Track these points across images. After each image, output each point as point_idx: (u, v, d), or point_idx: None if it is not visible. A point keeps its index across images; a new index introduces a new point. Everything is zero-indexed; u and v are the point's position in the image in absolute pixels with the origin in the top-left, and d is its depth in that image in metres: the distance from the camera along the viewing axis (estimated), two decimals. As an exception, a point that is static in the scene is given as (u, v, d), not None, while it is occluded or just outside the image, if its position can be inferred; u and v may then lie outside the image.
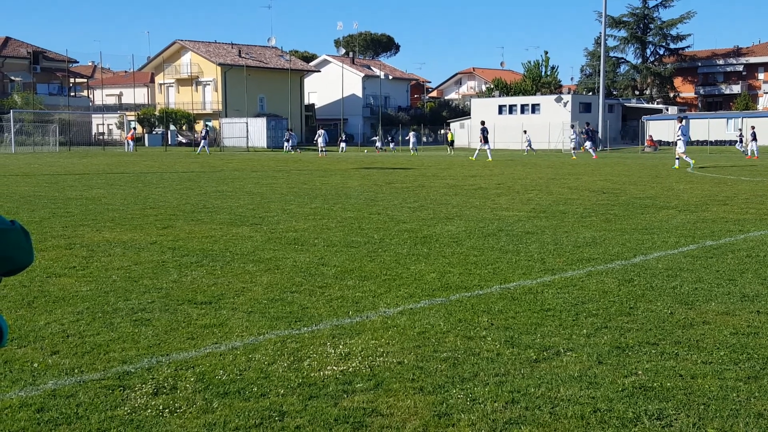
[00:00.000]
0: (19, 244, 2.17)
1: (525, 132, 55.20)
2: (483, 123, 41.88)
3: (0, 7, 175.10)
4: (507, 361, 4.90)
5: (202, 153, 50.00)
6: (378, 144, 62.38)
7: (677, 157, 29.84)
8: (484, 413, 4.04)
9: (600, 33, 72.05)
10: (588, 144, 44.65)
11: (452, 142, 56.89)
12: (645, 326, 5.74)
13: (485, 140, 39.56)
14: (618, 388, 4.40)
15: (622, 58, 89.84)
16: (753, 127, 45.64)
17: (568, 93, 76.07)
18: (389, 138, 64.50)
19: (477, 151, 40.15)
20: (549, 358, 4.97)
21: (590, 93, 79.46)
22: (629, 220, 12.30)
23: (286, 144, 56.16)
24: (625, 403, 4.17)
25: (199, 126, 75.75)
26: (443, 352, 5.11)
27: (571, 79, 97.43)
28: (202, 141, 52.67)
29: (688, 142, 31.58)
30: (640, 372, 4.70)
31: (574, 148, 46.19)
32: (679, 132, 29.63)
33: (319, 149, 50.38)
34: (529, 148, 51.67)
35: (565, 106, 68.01)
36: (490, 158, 38.50)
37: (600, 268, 8.07)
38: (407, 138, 60.32)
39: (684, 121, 30.49)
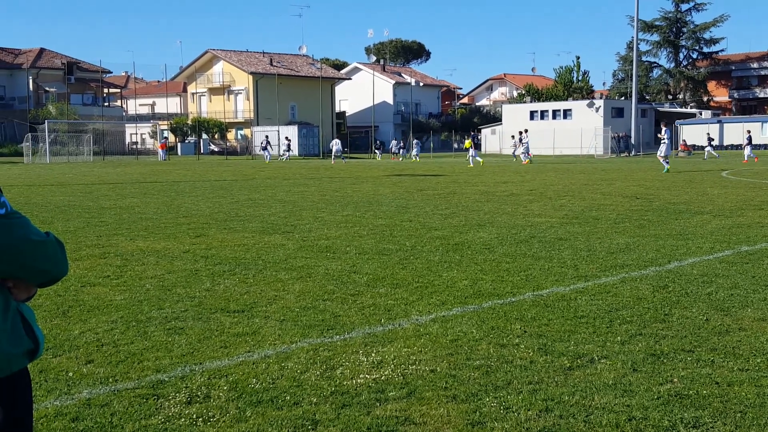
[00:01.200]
0: (54, 256, 2.21)
1: (516, 135, 54.06)
2: (474, 130, 44.10)
3: (35, 19, 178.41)
4: (540, 369, 4.86)
5: (272, 160, 50.85)
6: (393, 149, 61.04)
7: (666, 160, 30.55)
8: (517, 422, 4.01)
9: (632, 37, 71.45)
10: (521, 149, 44.81)
11: (469, 149, 56.14)
12: (680, 333, 5.66)
13: (476, 146, 42.28)
14: (653, 396, 4.35)
15: (655, 62, 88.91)
16: (749, 132, 46.17)
17: (600, 98, 75.49)
18: (401, 144, 63.53)
19: (471, 158, 41.62)
20: (583, 366, 4.92)
21: (623, 98, 78.77)
22: (663, 225, 12.15)
23: (286, 152, 55.65)
24: (661, 411, 4.11)
25: (231, 135, 76.37)
26: (476, 359, 5.08)
27: (603, 84, 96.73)
28: (264, 151, 53.24)
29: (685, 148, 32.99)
30: (675, 379, 4.63)
31: (523, 153, 46.25)
32: (665, 136, 30.80)
33: (333, 157, 50.35)
34: (516, 152, 50.12)
35: (597, 111, 67.51)
36: (472, 165, 40.39)
37: (634, 274, 7.98)
38: (400, 146, 59.45)
39: (669, 125, 32.25)
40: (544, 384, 4.59)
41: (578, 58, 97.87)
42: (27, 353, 2.24)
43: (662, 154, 30.58)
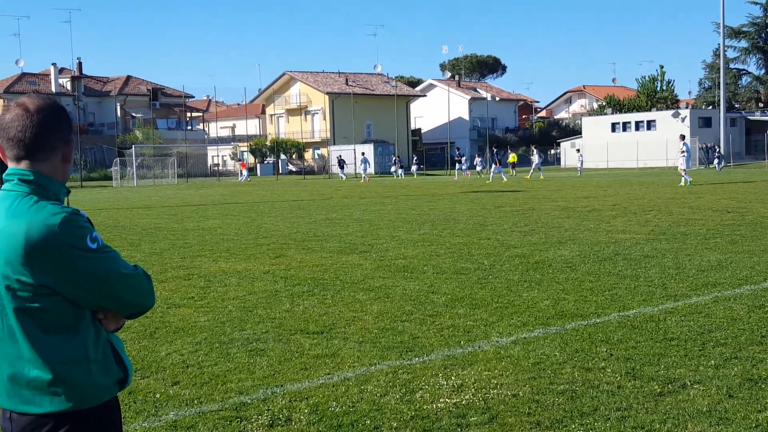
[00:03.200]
0: (141, 288, 2.29)
1: (578, 151, 53.80)
2: (496, 147, 47.01)
3: (122, 48, 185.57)
4: (629, 395, 4.68)
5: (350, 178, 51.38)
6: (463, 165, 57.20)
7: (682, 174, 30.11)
8: (606, 451, 3.85)
9: (718, 44, 69.35)
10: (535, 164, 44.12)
11: (514, 164, 54.66)
12: (779, 357, 5.37)
13: (498, 163, 42.61)
14: (751, 424, 4.13)
15: (744, 69, 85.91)
16: None
17: (686, 108, 73.45)
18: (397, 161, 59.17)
19: (492, 174, 42.25)
20: (674, 392, 4.71)
21: (710, 107, 76.42)
22: (758, 241, 11.65)
23: (362, 171, 55.09)
24: (762, 443, 3.89)
25: (308, 154, 77.43)
26: (560, 384, 4.93)
27: (689, 93, 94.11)
28: (341, 170, 53.70)
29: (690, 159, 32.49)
30: (776, 407, 4.38)
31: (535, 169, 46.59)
32: (683, 148, 30.42)
33: (362, 175, 49.65)
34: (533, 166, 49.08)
35: (683, 121, 65.66)
36: (504, 179, 40.82)
37: (727, 293, 7.65)
38: (392, 162, 57.24)
39: (687, 138, 31.50)
40: (633, 410, 4.41)
41: (662, 67, 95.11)
42: (117, 382, 2.31)
43: (682, 167, 30.05)
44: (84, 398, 2.20)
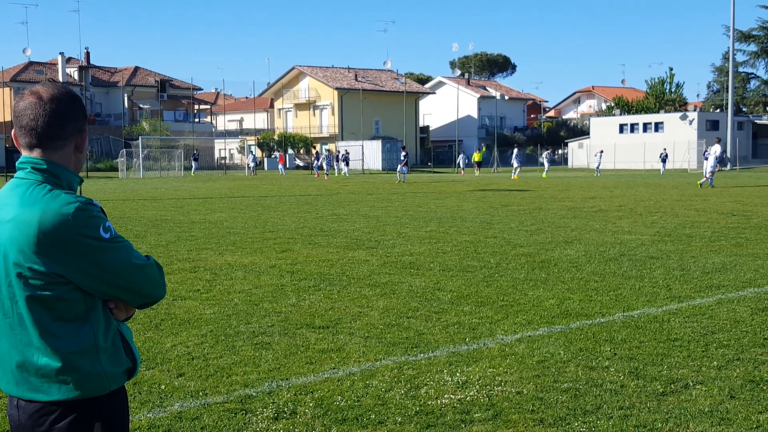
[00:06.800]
0: (153, 279, 2.29)
1: (599, 152, 53.66)
2: (404, 148, 45.73)
3: (130, 39, 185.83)
4: (632, 394, 4.71)
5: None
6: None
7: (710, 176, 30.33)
8: (608, 449, 3.89)
9: (728, 48, 69.13)
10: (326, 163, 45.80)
11: (480, 163, 54.05)
12: (782, 360, 5.39)
13: (405, 162, 42.06)
14: (752, 425, 4.16)
15: (752, 73, 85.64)
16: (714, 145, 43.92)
17: (694, 110, 73.30)
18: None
19: (399, 174, 41.34)
20: (677, 392, 4.75)
21: (718, 110, 76.26)
22: (762, 244, 11.65)
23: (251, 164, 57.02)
24: (763, 444, 3.92)
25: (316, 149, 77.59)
26: (564, 382, 4.97)
27: (697, 95, 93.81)
28: (340, 163, 53.93)
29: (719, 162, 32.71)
30: (778, 410, 4.41)
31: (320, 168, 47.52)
32: (704, 154, 31.74)
33: (317, 171, 49.53)
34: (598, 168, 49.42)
35: (690, 123, 65.55)
36: (399, 180, 40.39)
37: (731, 295, 7.67)
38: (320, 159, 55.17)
39: (710, 146, 32.22)
40: (635, 410, 4.44)
41: (671, 69, 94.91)
42: (126, 372, 2.31)
43: (707, 170, 30.35)
44: (93, 387, 2.22)
